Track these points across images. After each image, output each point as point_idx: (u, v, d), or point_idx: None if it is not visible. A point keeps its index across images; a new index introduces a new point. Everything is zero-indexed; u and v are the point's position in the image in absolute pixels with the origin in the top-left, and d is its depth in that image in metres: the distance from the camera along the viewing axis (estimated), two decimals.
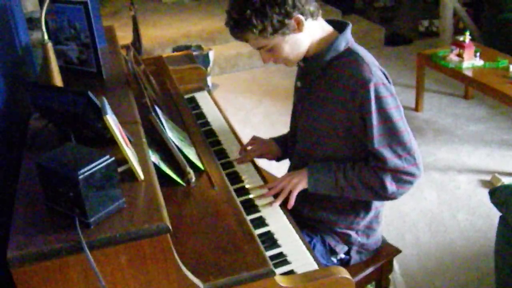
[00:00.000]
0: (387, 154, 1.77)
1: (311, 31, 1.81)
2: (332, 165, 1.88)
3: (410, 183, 1.82)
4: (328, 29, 1.87)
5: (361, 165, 1.85)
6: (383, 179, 1.80)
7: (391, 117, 1.75)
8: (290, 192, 1.91)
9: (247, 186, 2.00)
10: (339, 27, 1.88)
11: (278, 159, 2.28)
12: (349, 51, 1.82)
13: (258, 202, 1.90)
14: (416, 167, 1.80)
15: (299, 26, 1.76)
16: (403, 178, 1.80)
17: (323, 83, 1.85)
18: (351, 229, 2.01)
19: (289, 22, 1.73)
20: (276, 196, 1.93)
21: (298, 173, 1.94)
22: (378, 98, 1.73)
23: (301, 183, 1.91)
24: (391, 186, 1.80)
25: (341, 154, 1.90)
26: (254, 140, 2.27)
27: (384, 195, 1.84)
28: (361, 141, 1.83)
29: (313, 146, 1.95)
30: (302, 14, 1.74)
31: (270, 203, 1.89)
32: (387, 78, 1.81)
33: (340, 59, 1.82)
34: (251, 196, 1.95)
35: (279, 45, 1.79)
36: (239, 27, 1.76)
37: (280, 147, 2.25)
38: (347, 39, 1.84)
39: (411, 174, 1.80)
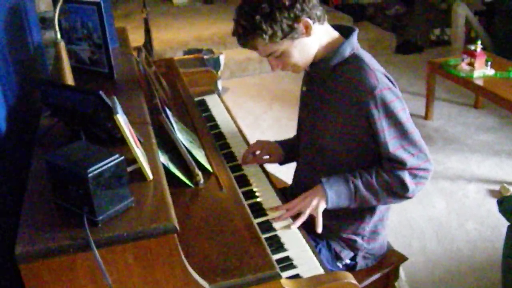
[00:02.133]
0: (404, 155, 1.78)
1: (318, 36, 1.82)
2: (347, 175, 1.86)
3: (425, 178, 1.83)
4: (334, 34, 1.88)
5: (377, 169, 1.85)
6: (403, 178, 1.80)
7: (400, 120, 1.77)
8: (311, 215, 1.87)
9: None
10: (345, 32, 1.88)
11: (281, 163, 2.27)
12: (354, 57, 1.82)
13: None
14: (429, 163, 1.82)
15: (307, 30, 1.76)
16: (419, 174, 1.81)
17: (328, 88, 1.86)
18: (356, 234, 2.00)
19: (298, 26, 1.74)
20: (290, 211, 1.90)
21: (315, 193, 1.87)
22: (385, 104, 1.74)
23: (321, 203, 1.85)
24: (410, 183, 1.80)
25: (346, 158, 1.89)
26: (259, 143, 2.27)
27: (405, 195, 1.83)
28: (366, 144, 1.84)
29: (318, 150, 1.94)
30: (309, 18, 1.75)
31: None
32: (392, 82, 1.82)
33: (345, 65, 1.82)
34: (258, 199, 1.95)
35: (288, 50, 1.79)
36: (249, 34, 1.76)
37: (284, 151, 2.24)
38: (352, 45, 1.84)
39: (426, 170, 1.82)
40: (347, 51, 1.83)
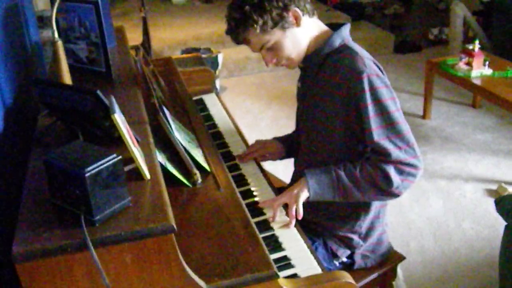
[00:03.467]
0: (388, 146, 1.75)
1: (309, 28, 1.87)
2: (331, 166, 1.86)
3: (413, 175, 1.79)
4: (324, 28, 1.92)
5: (362, 161, 1.83)
6: (387, 171, 1.76)
7: (387, 108, 1.75)
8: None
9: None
10: (337, 28, 1.91)
11: (282, 158, 2.29)
12: (344, 47, 1.85)
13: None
14: (417, 159, 1.78)
15: (297, 20, 1.81)
16: (406, 170, 1.77)
17: (321, 80, 1.87)
18: (353, 232, 2.00)
19: (287, 15, 1.79)
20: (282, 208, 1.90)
21: (296, 184, 1.89)
22: (373, 89, 1.74)
23: (302, 192, 1.85)
24: (395, 178, 1.76)
25: (342, 153, 1.89)
26: (257, 144, 2.27)
27: (389, 190, 1.79)
28: (358, 135, 1.82)
29: (315, 145, 1.95)
30: (298, 8, 1.80)
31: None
32: (381, 71, 1.82)
33: (335, 54, 1.85)
34: (256, 199, 1.95)
35: (280, 41, 1.83)
36: (240, 26, 1.81)
37: (284, 146, 2.26)
38: (343, 37, 1.87)
39: (413, 166, 1.77)
40: (337, 42, 1.86)
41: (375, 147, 1.77)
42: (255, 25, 1.77)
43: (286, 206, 1.88)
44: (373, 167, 1.80)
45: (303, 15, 1.82)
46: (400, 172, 1.77)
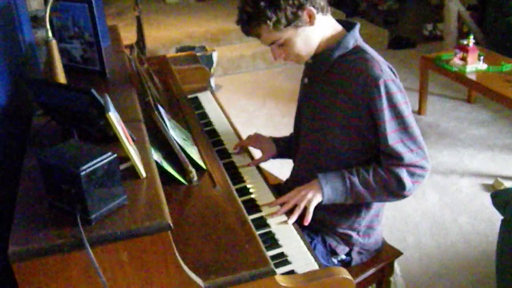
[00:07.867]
0: (402, 149, 1.77)
1: (321, 26, 1.83)
2: (344, 171, 1.86)
3: (423, 177, 1.82)
4: (337, 27, 1.89)
5: (374, 166, 1.84)
6: (400, 175, 1.79)
7: (401, 113, 1.76)
8: (305, 207, 1.87)
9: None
10: (347, 26, 1.90)
11: (269, 158, 2.27)
12: (358, 49, 1.84)
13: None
14: (426, 161, 1.81)
15: (311, 19, 1.78)
16: (416, 172, 1.80)
17: (331, 79, 1.86)
18: (352, 229, 2.00)
19: (302, 14, 1.75)
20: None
21: (310, 187, 1.88)
22: (389, 95, 1.74)
23: (316, 197, 1.85)
24: (407, 181, 1.79)
25: (345, 152, 1.89)
26: (252, 137, 2.28)
27: (401, 193, 1.82)
28: (367, 137, 1.83)
29: (317, 143, 1.94)
30: (313, 6, 1.77)
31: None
32: (394, 74, 1.83)
33: (349, 56, 1.83)
34: (252, 196, 1.95)
35: (291, 38, 1.80)
36: (253, 20, 1.77)
37: (277, 147, 2.25)
38: (355, 37, 1.86)
39: (423, 168, 1.80)
40: (350, 43, 1.84)
41: (389, 151, 1.78)
42: (268, 22, 1.74)
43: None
44: (386, 172, 1.81)
45: (317, 13, 1.78)
46: (412, 174, 1.80)
